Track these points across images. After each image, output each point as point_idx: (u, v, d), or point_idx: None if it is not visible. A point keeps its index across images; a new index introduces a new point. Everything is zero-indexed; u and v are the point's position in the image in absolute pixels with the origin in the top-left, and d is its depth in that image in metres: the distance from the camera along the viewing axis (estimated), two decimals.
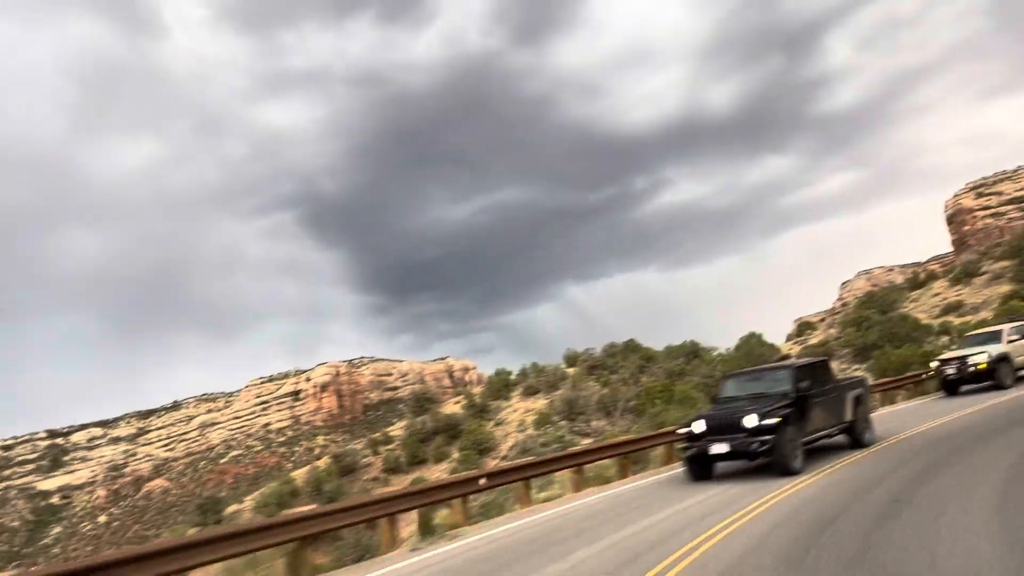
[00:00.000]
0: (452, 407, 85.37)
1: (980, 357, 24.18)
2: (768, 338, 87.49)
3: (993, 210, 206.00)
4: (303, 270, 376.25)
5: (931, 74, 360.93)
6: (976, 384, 25.21)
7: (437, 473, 70.00)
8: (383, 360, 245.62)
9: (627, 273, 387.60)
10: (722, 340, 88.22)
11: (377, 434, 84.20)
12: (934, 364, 26.44)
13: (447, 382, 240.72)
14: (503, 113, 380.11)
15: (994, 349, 24.33)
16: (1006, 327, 26.05)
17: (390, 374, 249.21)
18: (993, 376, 24.09)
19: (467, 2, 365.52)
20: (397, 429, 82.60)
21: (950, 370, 25.10)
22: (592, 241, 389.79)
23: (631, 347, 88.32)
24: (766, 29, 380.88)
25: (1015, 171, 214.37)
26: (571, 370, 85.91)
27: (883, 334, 61.81)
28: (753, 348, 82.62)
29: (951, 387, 25.78)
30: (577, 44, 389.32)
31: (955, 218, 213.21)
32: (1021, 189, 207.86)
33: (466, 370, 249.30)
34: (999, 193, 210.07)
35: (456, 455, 69.06)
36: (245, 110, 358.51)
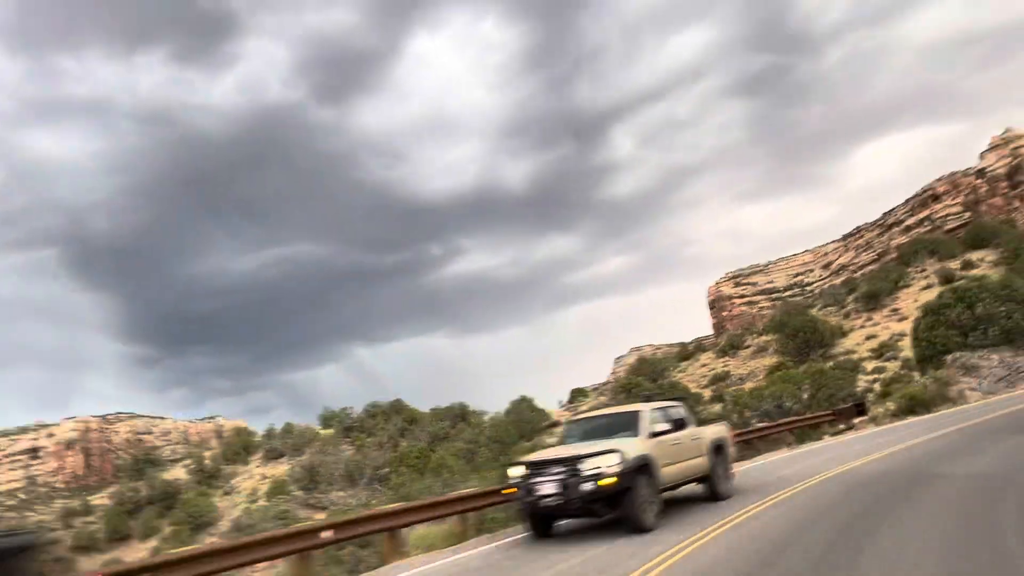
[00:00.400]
0: (178, 472, 70.78)
1: (607, 461, 11.35)
2: (543, 404, 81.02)
3: (747, 298, 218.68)
4: (61, 314, 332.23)
5: (699, 174, 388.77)
6: (590, 517, 12.24)
7: (140, 552, 55.29)
8: (144, 417, 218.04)
9: (417, 337, 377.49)
10: (504, 405, 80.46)
11: (77, 502, 67.59)
12: (516, 472, 12.42)
13: (215, 443, 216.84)
14: (301, 167, 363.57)
15: (630, 447, 11.77)
16: (646, 408, 13.41)
17: (150, 432, 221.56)
18: (624, 501, 11.41)
19: (270, 52, 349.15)
20: (103, 498, 66.61)
21: (547, 488, 11.64)
22: (384, 303, 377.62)
23: (396, 408, 78.24)
24: (560, 116, 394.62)
25: (766, 265, 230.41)
26: (326, 431, 74.20)
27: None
28: (524, 412, 75.36)
29: (542, 523, 12.53)
30: (381, 108, 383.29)
31: (716, 304, 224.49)
32: (770, 281, 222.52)
33: (238, 431, 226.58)
34: (753, 284, 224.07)
35: (168, 530, 55.16)
36: (7, 134, 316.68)
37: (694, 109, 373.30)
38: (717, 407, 41.87)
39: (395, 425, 70.95)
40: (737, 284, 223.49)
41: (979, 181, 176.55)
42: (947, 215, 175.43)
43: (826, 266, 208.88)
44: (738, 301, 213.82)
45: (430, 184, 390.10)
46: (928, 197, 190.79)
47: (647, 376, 65.38)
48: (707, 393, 57.23)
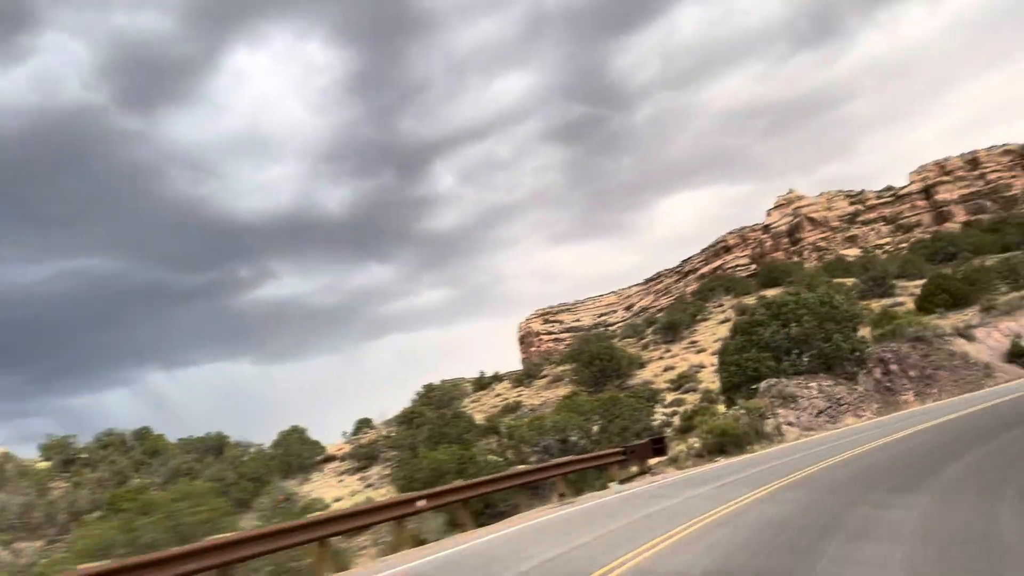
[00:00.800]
0: None
1: None
2: (320, 436, 69.98)
3: (555, 335, 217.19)
4: None
5: (516, 213, 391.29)
6: None
7: None
8: None
9: (219, 363, 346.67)
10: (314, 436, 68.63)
11: None
12: None
13: None
14: (99, 175, 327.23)
15: None
16: None
17: None
18: None
19: (70, 49, 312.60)
20: None
21: None
22: (185, 325, 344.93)
23: (140, 436, 64.19)
24: (383, 145, 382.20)
25: (573, 304, 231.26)
26: (45, 464, 58.95)
27: (433, 433, 47.41)
28: (292, 445, 63.96)
29: None
30: (193, 120, 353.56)
31: (525, 339, 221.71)
32: (577, 320, 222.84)
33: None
34: (560, 321, 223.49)
35: None
36: None
37: (514, 150, 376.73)
38: (492, 441, 33.58)
39: (131, 458, 57.26)
40: (546, 321, 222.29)
41: (765, 236, 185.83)
42: (737, 265, 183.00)
43: (628, 307, 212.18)
44: (546, 337, 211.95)
45: (242, 203, 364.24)
46: (720, 248, 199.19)
47: (432, 405, 56.55)
48: (495, 424, 49.17)
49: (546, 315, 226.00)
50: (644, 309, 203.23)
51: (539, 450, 28.44)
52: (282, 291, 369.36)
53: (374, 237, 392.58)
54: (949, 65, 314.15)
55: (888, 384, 26.07)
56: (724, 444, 20.79)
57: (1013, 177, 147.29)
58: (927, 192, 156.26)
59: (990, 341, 31.29)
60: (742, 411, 22.28)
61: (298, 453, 61.48)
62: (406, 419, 53.88)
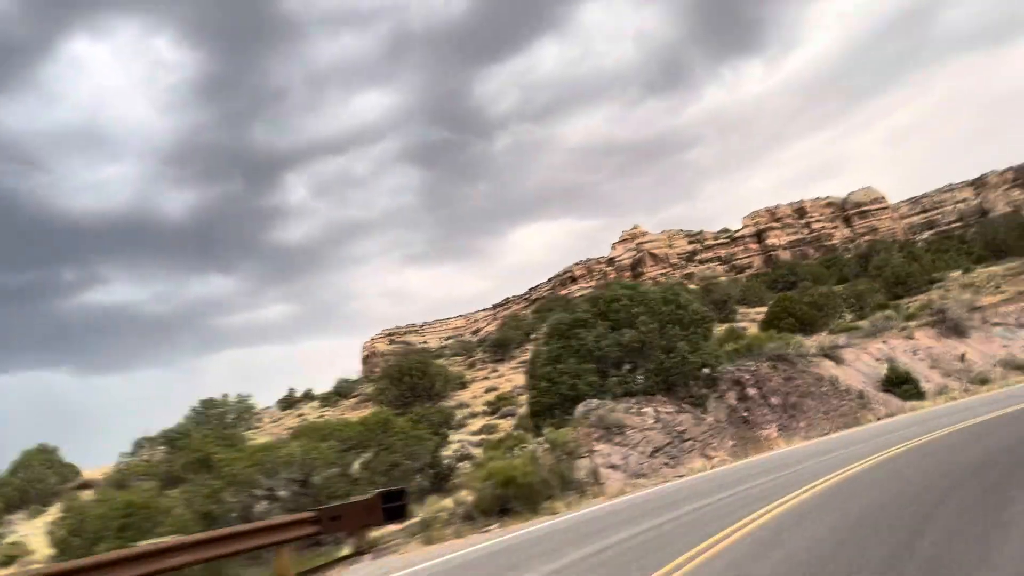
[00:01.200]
0: None
1: None
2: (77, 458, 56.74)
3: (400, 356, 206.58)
4: None
5: (370, 232, 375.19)
6: None
7: None
8: None
9: (33, 371, 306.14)
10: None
11: None
12: None
13: None
14: None
15: None
16: None
17: None
18: None
19: None
20: None
21: None
22: None
23: None
24: (232, 151, 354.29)
25: (421, 326, 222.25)
26: None
27: (189, 462, 36.86)
28: (36, 468, 50.60)
29: None
30: (18, 108, 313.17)
31: (369, 359, 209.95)
32: (424, 342, 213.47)
33: None
34: (407, 342, 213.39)
35: None
36: None
37: (371, 168, 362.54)
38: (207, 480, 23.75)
39: None
40: (392, 342, 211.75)
41: (609, 268, 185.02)
42: (582, 296, 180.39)
43: (475, 332, 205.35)
44: (391, 358, 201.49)
45: (71, 201, 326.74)
46: (567, 278, 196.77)
47: (210, 425, 45.54)
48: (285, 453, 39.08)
49: (392, 335, 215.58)
50: (490, 334, 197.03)
51: (265, 495, 19.13)
52: (112, 297, 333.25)
53: (217, 246, 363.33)
54: (783, 122, 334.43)
55: (745, 414, 19.06)
56: (509, 499, 12.48)
57: (834, 228, 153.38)
58: (759, 236, 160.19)
59: (859, 364, 25.47)
60: (545, 446, 14.11)
61: (41, 478, 48.30)
62: (168, 441, 42.67)
